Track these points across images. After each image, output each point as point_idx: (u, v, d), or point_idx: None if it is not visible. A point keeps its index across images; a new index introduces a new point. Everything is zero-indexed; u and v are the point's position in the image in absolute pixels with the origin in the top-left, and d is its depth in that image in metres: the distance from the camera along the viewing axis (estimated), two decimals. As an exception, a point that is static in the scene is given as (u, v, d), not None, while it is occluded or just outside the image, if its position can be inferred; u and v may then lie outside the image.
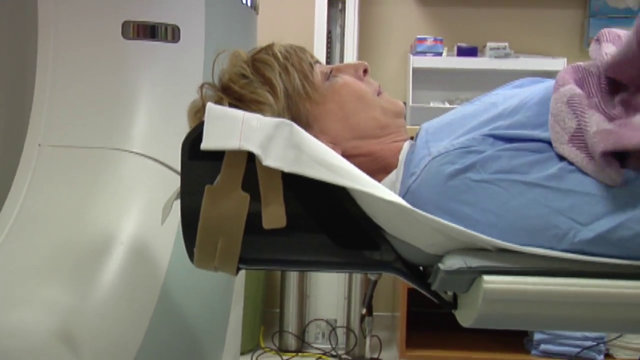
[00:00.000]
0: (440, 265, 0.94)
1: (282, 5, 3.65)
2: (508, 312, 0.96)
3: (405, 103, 3.49)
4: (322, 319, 3.42)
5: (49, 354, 1.37)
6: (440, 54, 3.52)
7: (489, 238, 0.94)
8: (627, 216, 0.91)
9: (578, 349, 2.95)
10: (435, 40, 3.53)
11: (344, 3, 3.46)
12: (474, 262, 0.93)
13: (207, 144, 0.97)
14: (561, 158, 0.98)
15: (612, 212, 0.92)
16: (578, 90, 1.01)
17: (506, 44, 3.49)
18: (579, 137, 0.97)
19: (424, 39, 3.53)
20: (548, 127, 1.01)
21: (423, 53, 3.51)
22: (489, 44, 3.51)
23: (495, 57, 3.48)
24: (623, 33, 1.10)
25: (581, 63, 1.10)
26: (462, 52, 3.53)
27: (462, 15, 3.73)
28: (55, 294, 1.44)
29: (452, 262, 0.94)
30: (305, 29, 3.48)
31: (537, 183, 0.96)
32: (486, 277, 0.92)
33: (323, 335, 3.43)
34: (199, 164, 1.02)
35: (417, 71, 3.51)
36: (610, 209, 0.93)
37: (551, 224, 0.94)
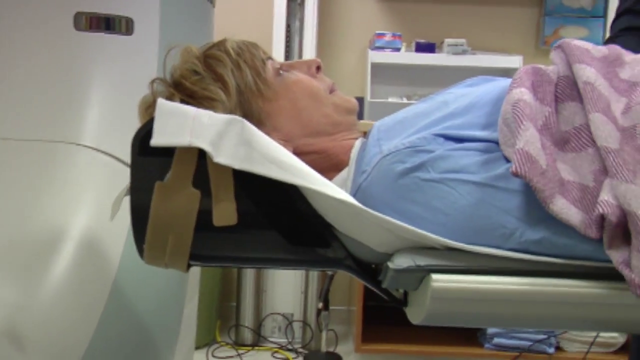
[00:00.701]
0: (390, 264, 0.94)
1: (240, -2, 3.63)
2: (456, 310, 0.96)
3: (363, 98, 3.52)
4: (278, 313, 3.42)
5: (-5, 352, 1.35)
6: (398, 50, 3.54)
7: (437, 237, 0.95)
8: None
9: (530, 343, 2.99)
10: (393, 35, 3.54)
11: (303, -3, 3.45)
12: (423, 261, 0.93)
13: (157, 140, 0.96)
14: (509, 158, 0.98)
15: None
16: (526, 97, 1.01)
17: (464, 40, 3.52)
18: None
19: (383, 34, 3.55)
20: (498, 127, 1.02)
21: (381, 48, 3.52)
22: (447, 41, 3.53)
23: (453, 53, 3.50)
24: (590, 46, 1.11)
25: (542, 66, 1.10)
26: (420, 48, 3.55)
27: (421, 11, 3.75)
28: (0, 291, 1.42)
29: (401, 261, 0.94)
30: (264, 22, 3.47)
31: (485, 183, 0.96)
32: (434, 276, 0.92)
33: (279, 329, 3.43)
34: (150, 160, 1.01)
35: (375, 66, 3.52)
36: None
37: (498, 223, 0.95)
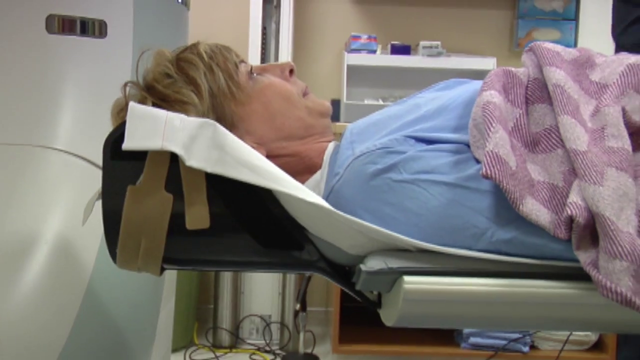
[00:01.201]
0: (362, 266, 0.94)
1: (215, 2, 3.61)
2: (429, 311, 0.96)
3: (339, 100, 3.52)
4: (256, 315, 3.41)
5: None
6: (374, 52, 3.54)
7: (408, 239, 0.95)
8: None
9: (505, 342, 3.00)
10: (369, 38, 3.54)
11: (278, 0, 3.44)
12: (395, 263, 0.93)
13: (128, 144, 0.96)
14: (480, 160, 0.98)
15: None
16: (495, 99, 1.01)
17: (439, 42, 3.53)
18: None
19: (358, 37, 3.55)
20: (468, 129, 1.02)
21: (357, 50, 3.52)
22: (422, 43, 3.54)
23: (428, 55, 3.51)
24: (560, 49, 1.11)
25: (512, 68, 1.10)
26: (396, 50, 3.55)
27: (396, 14, 3.75)
28: (-27, 294, 1.40)
29: (373, 263, 0.93)
30: (240, 25, 3.46)
31: (457, 183, 0.96)
32: (406, 278, 0.92)
33: (257, 330, 3.42)
34: (121, 164, 1.00)
35: (351, 68, 3.52)
36: None
37: (470, 223, 0.95)
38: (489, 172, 0.91)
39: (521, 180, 0.93)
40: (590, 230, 0.89)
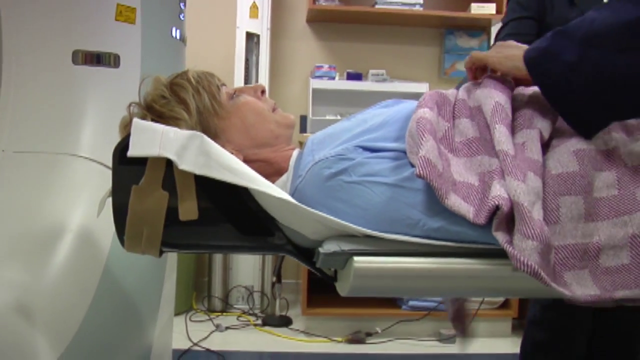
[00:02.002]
0: (320, 249, 0.93)
1: (208, 39, 3.59)
2: (374, 285, 0.95)
3: (306, 116, 3.50)
4: (242, 286, 3.40)
5: (6, 324, 1.30)
6: (333, 78, 3.53)
7: (357, 227, 0.93)
8: (455, 216, 0.92)
9: (436, 303, 3.01)
10: (330, 67, 3.54)
11: (258, 37, 3.43)
12: (347, 246, 0.92)
13: (132, 152, 0.94)
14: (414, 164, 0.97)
15: (447, 210, 0.92)
16: (427, 115, 1.00)
17: (384, 71, 3.54)
18: None
19: (321, 66, 3.54)
20: (405, 139, 1.01)
21: (320, 77, 3.52)
22: (371, 71, 3.54)
23: (376, 81, 3.51)
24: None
25: (444, 91, 1.10)
26: (351, 76, 3.55)
27: (351, 49, 3.75)
28: (12, 273, 1.37)
29: (329, 246, 0.92)
30: (227, 57, 3.44)
31: (395, 184, 0.95)
32: (356, 258, 0.91)
33: (243, 298, 3.40)
34: (127, 168, 0.98)
35: (315, 91, 3.51)
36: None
37: (406, 215, 0.94)
38: (421, 172, 0.91)
39: (447, 180, 0.93)
40: (507, 218, 0.89)
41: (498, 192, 0.89)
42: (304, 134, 3.31)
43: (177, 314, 2.65)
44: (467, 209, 0.91)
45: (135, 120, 0.97)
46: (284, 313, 3.25)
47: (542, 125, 0.99)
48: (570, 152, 0.95)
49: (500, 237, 0.88)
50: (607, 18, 0.87)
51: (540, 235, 0.86)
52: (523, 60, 0.97)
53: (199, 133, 0.96)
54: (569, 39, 0.90)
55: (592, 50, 0.87)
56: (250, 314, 3.29)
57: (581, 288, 0.88)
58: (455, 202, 0.91)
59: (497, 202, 0.88)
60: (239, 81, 3.34)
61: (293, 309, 3.33)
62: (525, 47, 1.01)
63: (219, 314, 3.29)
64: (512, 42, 1.06)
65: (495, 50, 1.07)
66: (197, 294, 3.46)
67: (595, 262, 0.89)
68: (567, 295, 0.86)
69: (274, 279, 3.19)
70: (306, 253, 1.05)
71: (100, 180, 1.57)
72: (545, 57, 0.94)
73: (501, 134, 0.95)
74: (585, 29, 0.88)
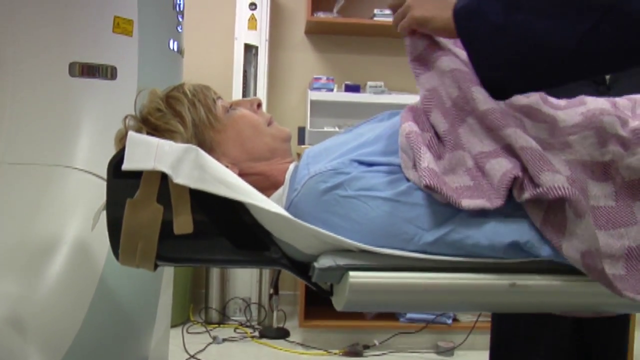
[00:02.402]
0: (315, 264, 0.92)
1: (206, 50, 3.59)
2: (370, 299, 0.95)
3: (304, 128, 3.50)
4: (239, 297, 3.38)
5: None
6: (331, 90, 3.53)
7: (352, 242, 0.93)
8: (456, 223, 0.92)
9: (434, 316, 2.99)
10: (327, 79, 3.54)
11: (257, 49, 3.43)
12: (342, 261, 0.91)
13: (127, 165, 0.93)
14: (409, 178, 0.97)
15: (446, 220, 0.92)
16: (414, 128, 1.01)
17: (382, 83, 3.54)
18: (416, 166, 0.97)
19: (319, 78, 3.54)
20: (399, 154, 1.01)
21: (318, 89, 3.52)
22: (369, 83, 3.54)
23: (374, 93, 3.51)
24: None
25: (415, 105, 1.10)
26: (349, 88, 3.55)
27: (349, 60, 3.76)
28: (6, 286, 1.37)
29: (325, 261, 0.91)
30: (226, 68, 3.44)
31: (390, 198, 0.94)
32: (351, 273, 0.90)
33: (240, 310, 3.39)
34: (122, 181, 0.97)
35: (313, 103, 3.51)
36: (445, 218, 0.93)
37: (401, 230, 0.93)
38: (430, 183, 0.91)
39: (449, 187, 0.94)
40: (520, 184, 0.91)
41: (500, 168, 0.91)
42: (302, 146, 3.31)
43: (173, 325, 2.63)
44: (482, 202, 0.91)
45: (130, 133, 0.96)
46: (281, 325, 3.23)
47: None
48: (561, 159, 0.97)
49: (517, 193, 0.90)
50: None
51: (564, 171, 0.89)
52: (452, 16, 0.96)
53: (194, 146, 0.96)
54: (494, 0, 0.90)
55: (517, 14, 0.87)
56: (247, 326, 3.28)
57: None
58: (469, 202, 0.91)
59: (510, 176, 0.89)
60: (237, 92, 3.34)
61: (290, 320, 3.31)
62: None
63: (216, 325, 3.28)
64: None
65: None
66: (194, 305, 3.44)
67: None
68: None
69: (272, 290, 3.18)
70: (302, 267, 1.04)
71: (95, 192, 1.56)
72: (473, 15, 0.93)
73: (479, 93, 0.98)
74: None
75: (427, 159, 0.94)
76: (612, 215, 0.92)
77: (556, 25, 0.85)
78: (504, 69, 0.91)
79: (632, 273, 0.88)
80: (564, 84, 0.93)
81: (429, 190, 0.93)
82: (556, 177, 0.87)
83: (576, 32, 0.83)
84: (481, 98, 0.97)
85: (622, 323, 1.76)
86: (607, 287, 0.87)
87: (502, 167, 0.91)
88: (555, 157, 0.98)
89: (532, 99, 1.10)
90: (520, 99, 1.08)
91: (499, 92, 0.95)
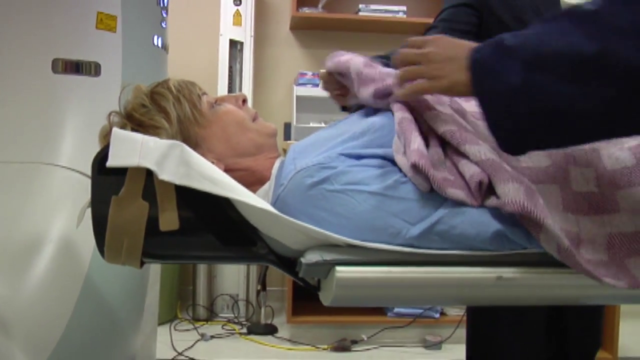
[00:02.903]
0: (302, 259, 0.92)
1: (191, 46, 3.57)
2: (357, 294, 0.94)
3: (290, 123, 3.50)
4: (226, 294, 3.38)
5: (-17, 338, 1.27)
6: (317, 85, 3.52)
7: (339, 236, 0.92)
8: (442, 214, 0.92)
9: (421, 310, 3.01)
10: (313, 74, 3.53)
11: (242, 44, 3.42)
12: (329, 256, 0.90)
13: (112, 162, 0.93)
14: (398, 171, 0.96)
15: (431, 213, 0.92)
16: (407, 115, 1.01)
17: (367, 78, 3.52)
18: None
19: (305, 73, 3.53)
20: (388, 145, 1.01)
21: (304, 84, 3.51)
22: (355, 78, 3.53)
23: (360, 88, 3.50)
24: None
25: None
26: (334, 84, 3.53)
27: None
28: (-10, 286, 1.35)
29: (311, 256, 0.91)
30: (211, 64, 3.43)
31: (377, 192, 0.94)
32: (338, 268, 0.89)
33: (228, 306, 3.39)
34: (106, 178, 0.96)
35: (299, 98, 3.50)
36: (430, 211, 0.93)
37: (388, 224, 0.93)
38: (416, 162, 0.91)
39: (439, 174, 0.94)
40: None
41: (469, 170, 0.92)
42: (288, 142, 3.30)
43: (161, 323, 2.62)
44: (463, 196, 0.92)
45: (115, 130, 0.95)
46: (269, 321, 3.23)
47: None
48: (544, 152, 0.99)
49: (490, 202, 0.91)
50: (556, 41, 0.82)
51: (517, 177, 0.88)
52: (469, 73, 0.89)
53: (179, 142, 0.95)
54: (512, 59, 0.84)
55: (537, 75, 0.82)
56: (235, 323, 3.27)
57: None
58: (453, 191, 0.92)
59: (477, 178, 0.91)
60: (222, 89, 3.33)
61: (278, 317, 3.31)
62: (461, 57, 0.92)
63: (204, 322, 3.27)
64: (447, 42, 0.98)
65: (431, 66, 0.97)
66: (181, 302, 3.43)
67: (577, 249, 0.89)
68: (564, 245, 0.86)
69: (259, 287, 3.18)
70: (289, 263, 1.04)
71: (80, 190, 1.54)
72: (489, 75, 0.87)
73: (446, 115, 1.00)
74: (532, 50, 0.83)
75: (417, 142, 0.95)
76: (594, 201, 0.93)
77: (581, 90, 0.79)
78: (519, 131, 0.86)
79: (614, 260, 0.89)
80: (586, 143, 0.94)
81: (415, 171, 0.92)
82: (512, 190, 0.87)
83: (602, 98, 0.79)
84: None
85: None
86: (587, 275, 0.87)
87: (469, 169, 0.93)
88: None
89: None
90: None
91: (510, 149, 0.91)
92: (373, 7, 3.51)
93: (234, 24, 3.40)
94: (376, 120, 1.08)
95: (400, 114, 1.02)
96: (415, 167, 0.92)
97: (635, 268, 0.88)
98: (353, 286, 0.91)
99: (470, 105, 1.06)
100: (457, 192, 0.92)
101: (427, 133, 1.00)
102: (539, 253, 0.91)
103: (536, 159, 0.98)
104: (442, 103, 1.05)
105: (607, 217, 0.92)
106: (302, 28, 3.72)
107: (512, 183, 0.88)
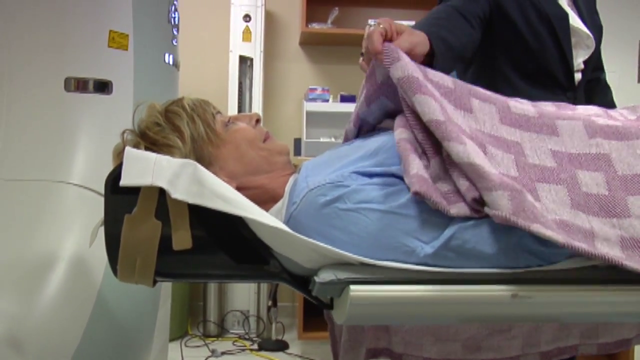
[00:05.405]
0: (316, 278, 0.91)
1: (202, 63, 3.59)
2: (371, 313, 0.93)
3: (300, 138, 3.50)
4: (237, 310, 3.37)
5: (-4, 356, 1.28)
6: (327, 101, 3.53)
7: (353, 255, 0.91)
8: (454, 229, 0.91)
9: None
10: (323, 89, 3.54)
11: (252, 60, 3.43)
12: (343, 275, 0.90)
13: (125, 181, 0.93)
14: (409, 189, 0.96)
15: (444, 230, 0.92)
16: (404, 135, 1.01)
17: (377, 93, 3.52)
18: None
19: (315, 89, 3.54)
20: (399, 164, 1.00)
21: (314, 100, 3.52)
22: (364, 93, 3.53)
23: (369, 103, 3.51)
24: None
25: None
26: (344, 99, 3.55)
27: (344, 71, 3.76)
28: (3, 303, 1.35)
29: (325, 275, 0.90)
30: (221, 80, 3.44)
31: (390, 211, 0.93)
32: (352, 287, 0.88)
33: (238, 322, 3.37)
34: (120, 197, 0.96)
35: (309, 114, 3.51)
36: (442, 228, 0.92)
37: (402, 243, 0.92)
38: (419, 189, 0.91)
39: (438, 194, 0.93)
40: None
41: (463, 185, 0.92)
42: (299, 157, 3.31)
43: (172, 339, 2.62)
44: (467, 210, 0.91)
45: (128, 149, 0.96)
46: (280, 337, 3.22)
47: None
48: (547, 149, 0.99)
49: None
50: None
51: (502, 184, 0.87)
52: None
53: (192, 161, 0.95)
54: None
55: None
56: (246, 339, 3.26)
57: (579, 244, 0.87)
58: (458, 209, 0.91)
59: (471, 196, 0.90)
60: (232, 104, 3.34)
61: (289, 332, 3.30)
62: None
63: (215, 339, 3.26)
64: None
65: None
66: (192, 318, 3.42)
67: (592, 243, 0.89)
68: (559, 241, 0.85)
69: (270, 302, 3.16)
70: (302, 281, 1.03)
71: (92, 208, 1.55)
72: None
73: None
74: None
75: (415, 166, 0.94)
76: (605, 203, 0.93)
77: None
78: None
79: (631, 257, 0.88)
80: None
81: (419, 197, 0.92)
82: (495, 199, 0.87)
83: None
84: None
85: None
86: (603, 260, 0.86)
87: (462, 184, 0.92)
88: (541, 141, 1.00)
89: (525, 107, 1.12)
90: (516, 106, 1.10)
91: None
92: (382, 22, 3.51)
93: (243, 40, 3.42)
94: (387, 139, 1.08)
95: (398, 133, 1.01)
96: (418, 195, 0.91)
97: None
98: (367, 305, 0.90)
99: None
100: (461, 209, 0.91)
101: (425, 145, 0.99)
102: (554, 270, 0.90)
103: (542, 157, 0.98)
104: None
105: (617, 221, 0.91)
106: (311, 43, 3.73)
107: (495, 191, 0.87)
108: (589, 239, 0.89)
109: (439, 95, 1.01)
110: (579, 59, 1.61)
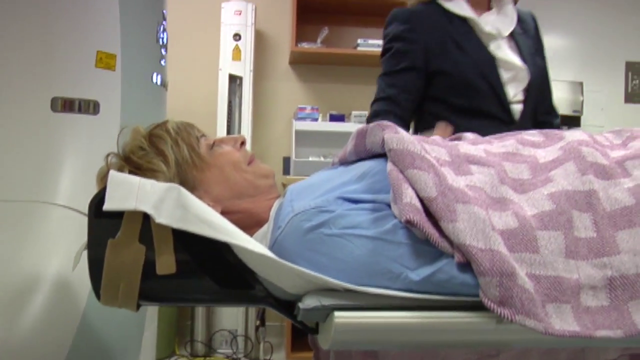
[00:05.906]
0: (300, 304, 0.90)
1: (191, 81, 3.59)
2: (356, 339, 0.92)
3: (289, 157, 3.50)
4: (225, 329, 3.34)
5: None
6: (316, 120, 3.53)
7: (337, 281, 0.91)
8: (442, 263, 0.90)
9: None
10: (312, 108, 3.54)
11: (241, 79, 3.43)
12: (327, 301, 0.89)
13: (108, 205, 0.92)
14: (395, 216, 0.96)
15: (432, 261, 0.91)
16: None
17: (367, 112, 3.52)
18: None
19: (304, 108, 3.55)
20: (386, 190, 1.00)
21: (303, 119, 3.52)
22: (354, 112, 3.55)
23: (359, 122, 3.52)
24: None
25: None
26: (333, 118, 3.56)
27: (333, 90, 3.77)
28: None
29: (310, 302, 0.89)
30: (210, 99, 3.44)
31: (375, 236, 0.93)
32: (337, 313, 0.88)
33: (226, 342, 3.34)
34: (103, 221, 0.95)
35: (298, 133, 3.51)
36: (430, 258, 0.91)
37: (387, 269, 0.91)
38: (411, 218, 0.90)
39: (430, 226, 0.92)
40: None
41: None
42: (287, 176, 3.30)
43: (159, 359, 2.59)
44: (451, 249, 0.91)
45: (112, 172, 0.95)
46: (268, 357, 3.19)
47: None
48: (543, 195, 0.98)
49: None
50: None
51: (492, 269, 0.85)
52: None
53: (176, 185, 0.94)
54: None
55: None
56: (234, 359, 3.23)
57: (561, 322, 0.86)
58: (446, 245, 0.91)
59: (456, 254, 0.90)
60: (221, 123, 3.34)
61: (277, 352, 3.27)
62: None
63: (202, 358, 3.23)
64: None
65: None
66: (179, 338, 3.39)
67: (577, 299, 0.88)
68: (540, 330, 0.84)
69: (258, 322, 3.14)
70: (287, 305, 1.02)
71: (77, 228, 1.54)
72: None
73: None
74: None
75: (408, 195, 0.94)
76: (594, 245, 0.92)
77: None
78: None
79: (615, 305, 0.88)
80: None
81: (410, 226, 0.92)
82: (486, 283, 0.86)
83: None
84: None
85: None
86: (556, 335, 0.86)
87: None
88: (537, 193, 0.98)
89: (509, 143, 1.12)
90: (498, 147, 1.11)
91: None
92: (371, 41, 3.53)
93: (233, 59, 3.42)
94: (373, 164, 1.08)
95: (391, 163, 1.01)
96: (409, 223, 0.91)
97: (636, 312, 0.87)
98: (352, 331, 0.89)
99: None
100: (449, 249, 0.91)
101: None
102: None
103: (540, 204, 0.97)
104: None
105: (607, 260, 0.91)
106: (301, 62, 3.74)
107: (484, 277, 0.86)
108: (575, 295, 0.88)
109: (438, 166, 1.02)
110: (516, 90, 1.69)
